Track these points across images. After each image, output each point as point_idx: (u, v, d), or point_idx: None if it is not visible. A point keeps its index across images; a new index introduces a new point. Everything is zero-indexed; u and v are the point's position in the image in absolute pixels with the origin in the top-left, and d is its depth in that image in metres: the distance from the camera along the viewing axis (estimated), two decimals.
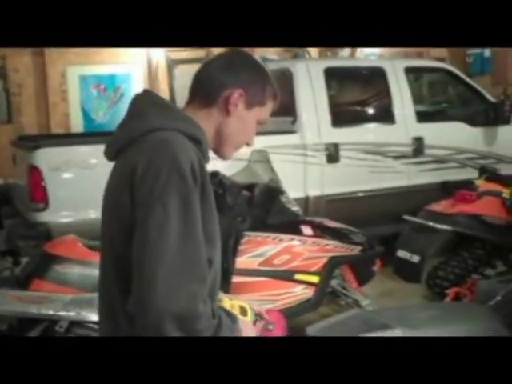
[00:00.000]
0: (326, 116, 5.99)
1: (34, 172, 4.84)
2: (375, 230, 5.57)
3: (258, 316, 1.78)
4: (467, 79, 7.02)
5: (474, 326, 2.82)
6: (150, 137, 1.51)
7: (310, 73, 6.03)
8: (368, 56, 10.01)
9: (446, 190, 5.92)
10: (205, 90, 1.66)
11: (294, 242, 4.38)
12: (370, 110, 6.90)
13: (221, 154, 1.71)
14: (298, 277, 4.31)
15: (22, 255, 4.37)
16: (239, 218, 4.20)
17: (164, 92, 9.77)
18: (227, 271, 3.92)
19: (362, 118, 6.69)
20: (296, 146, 5.84)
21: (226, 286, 3.78)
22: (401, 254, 5.14)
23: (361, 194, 6.14)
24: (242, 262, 4.16)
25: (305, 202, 5.74)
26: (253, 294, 4.03)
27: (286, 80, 5.93)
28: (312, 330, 2.79)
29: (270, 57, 6.48)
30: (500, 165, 6.52)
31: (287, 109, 5.80)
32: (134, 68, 10.16)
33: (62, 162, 4.87)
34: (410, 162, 6.39)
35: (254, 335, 1.67)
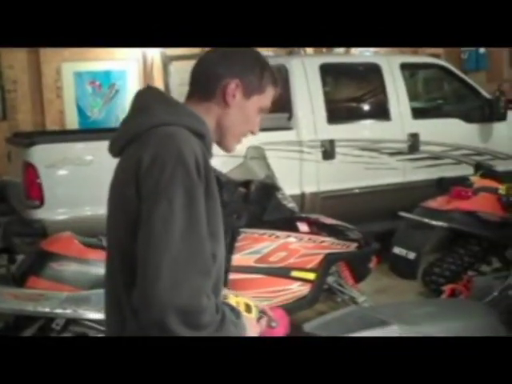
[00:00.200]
0: (321, 113, 5.99)
1: (30, 169, 4.83)
2: (371, 226, 5.58)
3: (262, 313, 1.79)
4: (462, 75, 7.03)
5: (470, 323, 2.83)
6: (155, 132, 1.52)
7: (305, 69, 6.03)
8: (363, 52, 9.99)
9: (442, 186, 5.92)
10: (202, 85, 1.66)
11: (291, 238, 4.38)
12: (366, 107, 6.91)
13: (224, 147, 1.71)
14: (294, 274, 4.32)
15: (17, 253, 4.35)
16: (235, 214, 4.19)
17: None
18: None
19: (358, 115, 6.71)
20: (292, 143, 5.84)
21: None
22: (397, 250, 5.15)
23: (357, 191, 6.14)
24: (238, 258, 4.16)
25: (301, 198, 5.75)
26: (249, 291, 4.02)
27: (281, 76, 5.91)
28: (309, 327, 2.79)
29: (265, 53, 6.45)
30: (495, 161, 6.54)
31: (283, 105, 5.79)
32: (129, 65, 10.11)
33: (58, 159, 4.84)
34: (406, 158, 6.40)
35: (257, 331, 1.67)
